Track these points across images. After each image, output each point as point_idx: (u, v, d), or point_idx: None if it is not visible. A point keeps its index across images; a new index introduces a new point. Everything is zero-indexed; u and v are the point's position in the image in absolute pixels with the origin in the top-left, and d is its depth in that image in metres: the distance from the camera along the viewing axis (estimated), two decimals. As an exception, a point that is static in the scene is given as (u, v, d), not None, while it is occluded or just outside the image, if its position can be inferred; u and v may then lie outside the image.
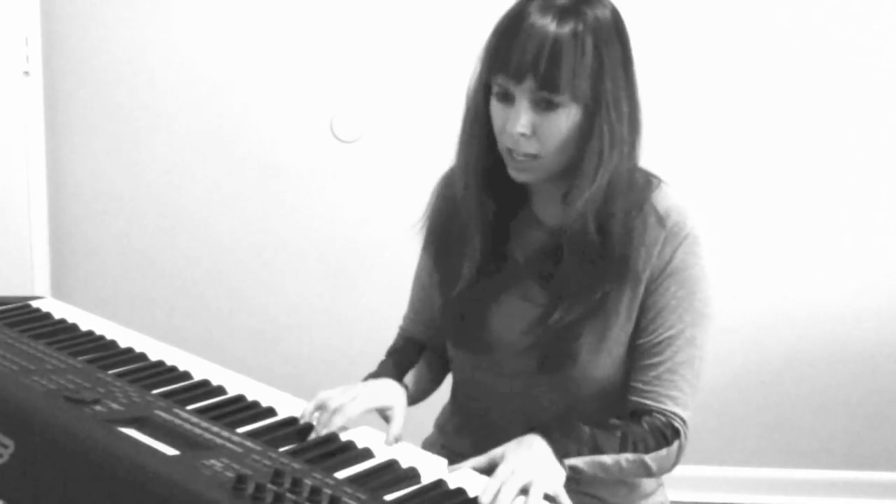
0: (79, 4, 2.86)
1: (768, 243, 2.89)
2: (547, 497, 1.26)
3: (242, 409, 1.40)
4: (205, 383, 1.47)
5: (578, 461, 1.37)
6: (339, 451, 1.31)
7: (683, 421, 1.48)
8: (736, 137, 2.84)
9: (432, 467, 1.29)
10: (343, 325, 2.96)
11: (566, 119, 1.39)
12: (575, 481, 1.39)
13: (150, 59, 2.88)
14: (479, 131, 1.47)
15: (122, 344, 1.58)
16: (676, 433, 1.47)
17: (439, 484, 1.24)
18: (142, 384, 1.41)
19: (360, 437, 1.37)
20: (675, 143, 2.83)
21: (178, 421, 1.28)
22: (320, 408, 1.40)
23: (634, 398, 1.48)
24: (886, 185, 2.85)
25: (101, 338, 1.60)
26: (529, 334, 1.49)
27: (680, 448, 1.47)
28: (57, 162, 2.92)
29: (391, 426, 1.43)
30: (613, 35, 1.42)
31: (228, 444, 1.22)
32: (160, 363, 1.53)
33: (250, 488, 1.07)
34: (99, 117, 2.92)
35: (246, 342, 2.97)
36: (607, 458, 1.40)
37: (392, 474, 1.25)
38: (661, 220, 1.45)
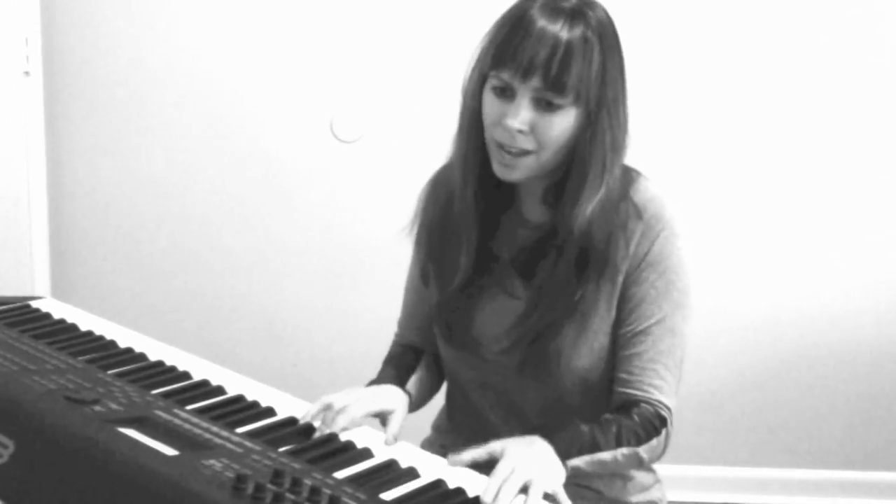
0: (79, 4, 2.86)
1: (768, 243, 2.89)
2: (546, 495, 1.26)
3: (242, 409, 1.40)
4: (204, 383, 1.47)
5: (580, 461, 1.39)
6: (338, 450, 1.31)
7: (669, 409, 1.49)
8: (737, 138, 2.84)
9: (432, 467, 1.29)
10: (343, 324, 2.96)
11: (565, 121, 1.40)
12: (595, 492, 1.40)
13: (150, 59, 2.88)
14: (476, 124, 1.48)
15: (122, 344, 1.58)
16: (664, 422, 1.48)
17: (438, 484, 1.24)
18: (141, 384, 1.41)
19: (359, 437, 1.37)
20: (675, 143, 2.83)
21: (177, 421, 1.28)
22: (325, 409, 1.40)
23: (620, 389, 1.49)
24: (886, 186, 2.85)
25: (101, 338, 1.60)
26: (511, 332, 1.50)
27: (667, 436, 1.49)
28: (57, 162, 2.92)
29: (389, 426, 1.44)
30: (614, 40, 1.44)
31: (228, 444, 1.22)
32: (160, 363, 1.53)
33: (250, 488, 1.07)
34: (99, 117, 2.92)
35: (246, 342, 2.97)
36: (606, 455, 1.42)
37: (391, 474, 1.25)
38: (638, 213, 1.47)
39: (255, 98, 2.88)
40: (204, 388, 1.45)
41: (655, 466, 1.66)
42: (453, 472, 1.29)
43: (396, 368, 1.64)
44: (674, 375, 1.49)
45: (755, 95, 2.82)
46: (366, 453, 1.31)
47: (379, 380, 1.61)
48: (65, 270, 2.98)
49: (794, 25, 2.79)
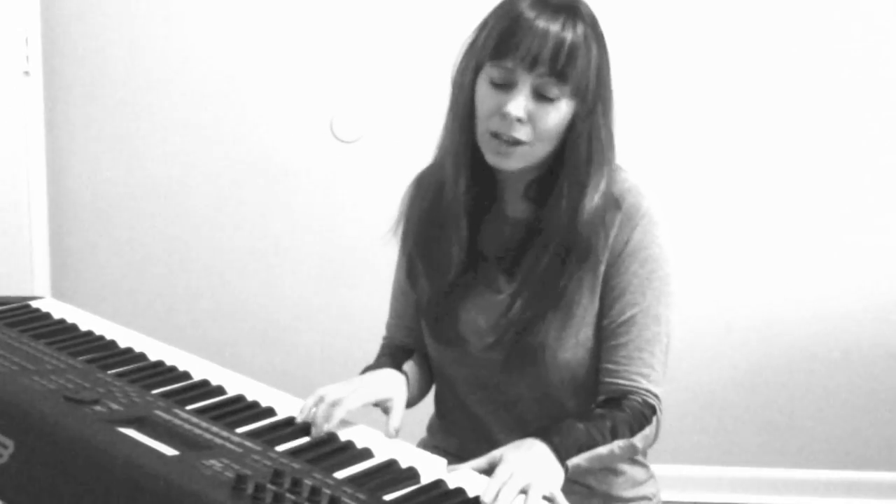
0: (79, 4, 2.86)
1: (768, 243, 2.89)
2: (545, 498, 1.26)
3: (242, 409, 1.40)
4: (204, 383, 1.47)
5: (580, 459, 1.39)
6: (338, 450, 1.31)
7: (657, 397, 1.50)
8: (738, 139, 2.85)
9: (431, 467, 1.29)
10: (343, 324, 2.96)
11: (561, 113, 1.42)
12: (586, 487, 1.40)
13: (149, 60, 2.88)
14: (469, 116, 1.49)
15: (122, 344, 1.58)
16: (653, 409, 1.49)
17: (438, 484, 1.24)
18: (141, 384, 1.41)
19: (359, 436, 1.37)
20: (675, 143, 2.83)
21: (177, 421, 1.28)
22: (319, 402, 1.40)
23: (607, 379, 1.50)
24: (887, 186, 2.85)
25: (101, 338, 1.60)
26: (496, 327, 1.51)
27: (658, 423, 1.50)
28: (57, 162, 2.92)
29: (390, 418, 1.44)
30: (603, 36, 1.47)
31: (228, 444, 1.22)
32: (160, 363, 1.52)
33: (250, 488, 1.07)
34: (99, 117, 2.92)
35: (246, 342, 2.97)
36: (603, 450, 1.42)
37: (391, 474, 1.25)
38: (616, 203, 1.48)
39: (255, 98, 2.88)
40: (204, 388, 1.45)
41: (651, 464, 1.66)
42: (453, 473, 1.29)
43: (391, 357, 1.64)
44: (660, 362, 1.50)
45: (755, 96, 2.82)
46: (366, 453, 1.31)
47: (375, 365, 1.61)
48: (65, 270, 2.98)
49: (790, 24, 2.79)
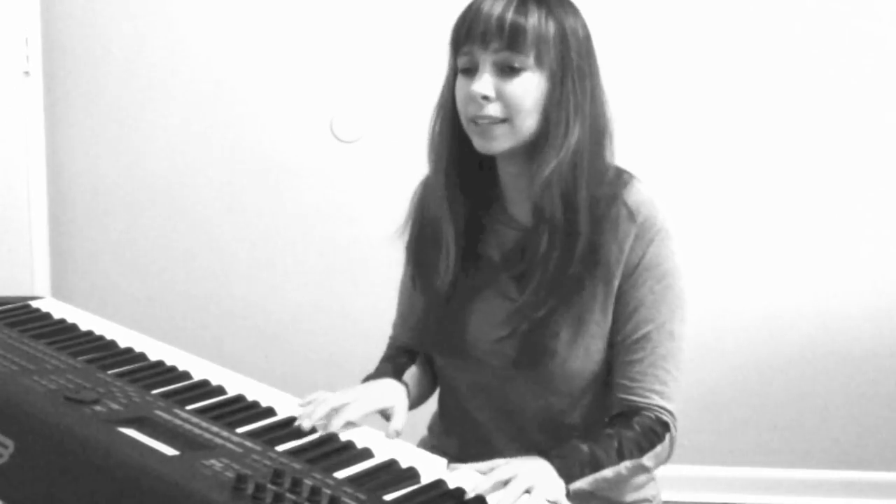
0: (79, 4, 2.86)
1: (768, 243, 2.89)
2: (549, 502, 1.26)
3: (242, 409, 1.40)
4: (204, 383, 1.47)
5: (583, 483, 1.38)
6: (338, 450, 1.31)
7: (671, 414, 1.49)
8: (738, 138, 2.85)
9: (432, 467, 1.29)
10: (343, 324, 2.96)
11: (529, 84, 1.43)
12: (575, 498, 1.40)
13: (150, 59, 2.88)
14: (451, 119, 1.51)
15: (122, 344, 1.58)
16: (666, 427, 1.48)
17: (439, 484, 1.24)
18: (141, 384, 1.41)
19: (359, 436, 1.37)
20: (675, 143, 2.83)
21: (177, 421, 1.28)
22: (313, 402, 1.40)
23: (621, 395, 1.49)
24: (887, 186, 2.85)
25: (101, 338, 1.60)
26: (506, 326, 1.50)
27: (671, 440, 1.49)
28: (57, 162, 2.93)
29: (392, 421, 1.44)
30: (573, 15, 1.47)
31: (228, 444, 1.22)
32: (160, 363, 1.53)
33: (250, 488, 1.07)
34: (99, 117, 2.92)
35: (246, 342, 2.97)
36: (609, 472, 1.41)
37: (391, 474, 1.25)
38: (631, 215, 1.47)
39: (256, 98, 2.88)
40: (204, 388, 1.45)
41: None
42: (453, 473, 1.29)
43: (393, 363, 1.64)
44: (675, 380, 1.49)
45: (755, 96, 2.82)
46: (366, 453, 1.31)
47: (376, 374, 1.61)
48: (65, 270, 2.98)
49: (791, 24, 2.79)
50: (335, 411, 1.38)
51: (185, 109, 2.90)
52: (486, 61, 1.43)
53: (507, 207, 1.56)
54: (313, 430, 1.36)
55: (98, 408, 1.26)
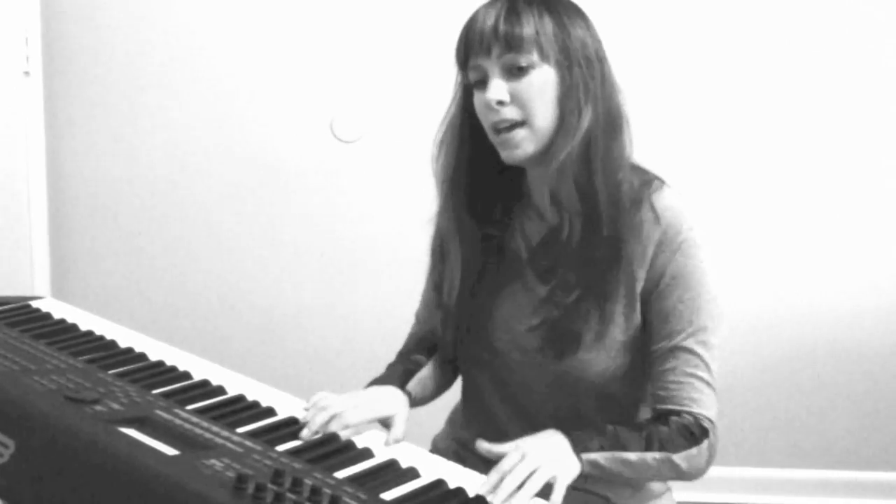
0: (79, 4, 2.86)
1: (768, 243, 2.89)
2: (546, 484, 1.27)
3: (242, 409, 1.40)
4: (205, 383, 1.47)
5: (598, 456, 1.37)
6: (339, 450, 1.31)
7: (711, 422, 1.48)
8: (739, 138, 2.85)
9: (432, 467, 1.29)
10: (343, 324, 2.96)
11: (541, 80, 1.44)
12: (592, 478, 1.39)
13: (150, 60, 2.88)
14: (461, 133, 1.52)
15: (122, 344, 1.58)
16: (705, 433, 1.46)
17: (439, 483, 1.24)
18: (142, 384, 1.41)
19: (359, 436, 1.37)
20: (677, 142, 2.83)
21: (178, 421, 1.28)
22: (314, 406, 1.40)
23: (658, 406, 1.49)
24: (886, 186, 2.85)
25: (101, 338, 1.60)
26: (533, 317, 1.50)
27: (710, 448, 1.47)
28: (57, 162, 2.92)
29: (392, 431, 1.43)
30: (569, 7, 1.48)
31: (229, 444, 1.22)
32: (160, 363, 1.53)
33: (251, 488, 1.07)
34: (99, 117, 2.92)
35: (246, 342, 2.97)
36: (631, 455, 1.40)
37: (392, 474, 1.25)
38: (657, 218, 1.46)
39: (256, 98, 2.88)
40: (204, 388, 1.45)
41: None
42: (454, 472, 1.29)
43: (404, 366, 1.63)
44: (710, 387, 1.48)
45: (758, 95, 2.82)
46: (366, 453, 1.31)
47: (383, 378, 1.61)
48: (65, 270, 2.98)
49: (794, 24, 2.79)
50: (334, 417, 1.38)
51: (185, 110, 2.90)
52: (494, 68, 1.44)
53: (534, 200, 1.57)
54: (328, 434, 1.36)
55: (98, 408, 1.26)
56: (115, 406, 1.28)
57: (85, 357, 1.49)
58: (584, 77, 1.45)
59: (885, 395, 2.94)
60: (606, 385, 1.50)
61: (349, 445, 1.33)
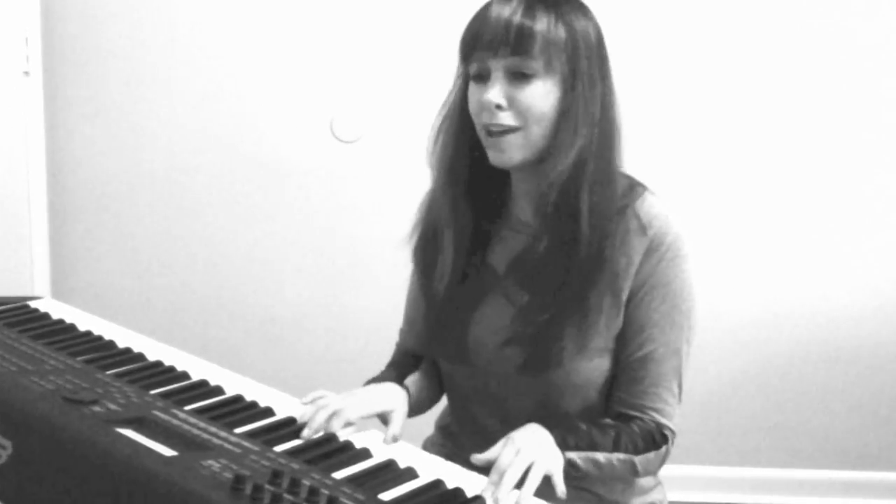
0: (79, 4, 2.86)
1: (768, 243, 2.89)
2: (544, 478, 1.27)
3: (241, 410, 1.40)
4: (203, 383, 1.47)
5: (575, 456, 1.39)
6: (337, 451, 1.31)
7: (672, 431, 1.50)
8: (738, 138, 2.85)
9: (430, 467, 1.29)
10: (343, 324, 2.96)
11: (543, 92, 1.41)
12: (573, 477, 1.39)
13: (150, 59, 2.88)
14: (459, 125, 1.50)
15: (121, 344, 1.58)
16: (665, 439, 1.49)
17: (437, 484, 1.24)
18: (140, 384, 1.41)
19: (358, 437, 1.37)
20: (676, 141, 2.83)
21: (176, 421, 1.28)
22: (313, 405, 1.40)
23: (622, 409, 1.49)
24: (886, 186, 2.85)
25: (100, 338, 1.60)
26: (509, 331, 1.49)
27: (666, 453, 1.49)
28: (57, 162, 2.93)
29: (390, 427, 1.44)
30: (584, 18, 1.45)
31: (226, 445, 1.22)
32: (158, 363, 1.52)
33: (248, 488, 1.07)
34: (99, 117, 2.92)
35: (245, 342, 2.98)
36: (601, 456, 1.42)
37: (390, 474, 1.25)
38: (643, 228, 1.45)
39: (256, 98, 2.88)
40: (202, 389, 1.45)
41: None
42: (452, 472, 1.29)
43: (398, 369, 1.64)
44: (675, 397, 1.49)
45: (755, 95, 2.82)
46: (364, 453, 1.31)
47: (379, 378, 1.61)
48: (65, 270, 2.98)
49: (790, 24, 2.79)
50: (333, 415, 1.38)
51: (186, 110, 2.90)
52: (497, 68, 1.42)
53: (516, 212, 1.55)
54: (326, 434, 1.36)
55: (96, 408, 1.26)
56: (113, 406, 1.28)
57: (83, 357, 1.49)
58: (585, 96, 1.43)
59: (884, 395, 2.94)
60: (588, 394, 1.50)
61: (347, 446, 1.33)
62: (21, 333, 1.55)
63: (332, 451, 1.30)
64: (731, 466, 3.01)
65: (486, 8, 1.44)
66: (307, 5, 2.84)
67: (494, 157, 1.46)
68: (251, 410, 1.40)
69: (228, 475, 1.11)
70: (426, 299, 1.60)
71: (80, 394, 1.30)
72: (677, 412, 1.50)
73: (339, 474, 1.22)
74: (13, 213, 2.81)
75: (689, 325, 1.49)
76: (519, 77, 1.41)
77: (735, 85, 2.82)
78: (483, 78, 1.44)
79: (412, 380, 1.60)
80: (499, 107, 1.42)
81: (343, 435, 1.36)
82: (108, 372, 1.44)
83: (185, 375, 1.49)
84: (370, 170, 2.89)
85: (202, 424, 1.28)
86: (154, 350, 1.57)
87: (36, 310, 1.70)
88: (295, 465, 1.19)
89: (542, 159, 1.45)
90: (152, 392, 1.39)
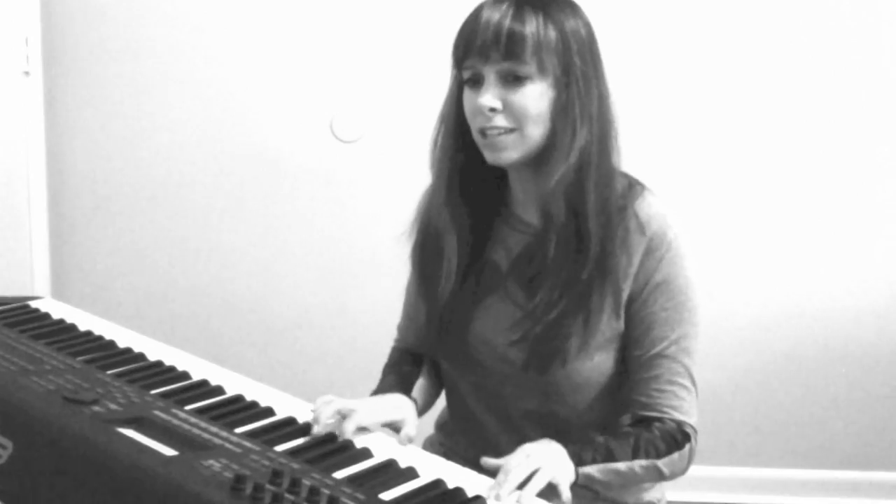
0: (79, 4, 2.86)
1: (768, 243, 2.89)
2: (549, 487, 1.27)
3: (241, 409, 1.40)
4: (203, 383, 1.47)
5: (592, 469, 1.39)
6: (337, 450, 1.31)
7: (693, 428, 1.50)
8: (738, 137, 2.84)
9: (431, 467, 1.29)
10: (343, 324, 2.96)
11: (537, 93, 1.42)
12: (592, 492, 1.40)
13: (149, 59, 2.88)
14: (455, 129, 1.51)
15: (121, 344, 1.58)
16: (687, 437, 1.49)
17: (438, 483, 1.24)
18: (140, 384, 1.41)
19: (358, 437, 1.36)
20: (676, 141, 2.83)
21: (176, 421, 1.28)
22: (326, 404, 1.39)
23: (640, 412, 1.49)
24: (886, 185, 2.85)
25: (100, 338, 1.60)
26: (515, 330, 1.49)
27: (691, 451, 1.50)
28: (57, 162, 2.93)
29: (405, 429, 1.43)
30: (574, 17, 1.46)
31: (227, 444, 1.22)
32: (159, 363, 1.52)
33: (249, 488, 1.07)
34: (99, 117, 2.92)
35: (246, 342, 2.97)
36: (621, 465, 1.42)
37: (390, 474, 1.25)
38: (641, 228, 1.46)
39: (256, 98, 2.88)
40: (203, 388, 1.45)
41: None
42: (452, 472, 1.29)
43: (398, 375, 1.63)
44: (690, 394, 1.51)
45: (755, 95, 2.82)
46: (365, 453, 1.31)
47: (382, 389, 1.60)
48: (65, 270, 2.98)
49: (789, 23, 2.79)
50: (343, 415, 1.37)
51: (186, 110, 2.90)
52: (490, 73, 1.42)
53: (516, 210, 1.55)
54: (311, 429, 1.35)
55: (97, 408, 1.26)
56: (114, 406, 1.28)
57: (83, 357, 1.49)
58: (580, 95, 1.43)
59: (883, 395, 2.94)
60: (591, 393, 1.50)
61: (347, 445, 1.33)
62: (21, 333, 1.55)
63: (332, 450, 1.30)
64: (731, 466, 3.01)
65: (476, 13, 1.45)
66: (307, 5, 2.84)
67: (491, 157, 1.46)
68: (251, 410, 1.40)
69: (229, 475, 1.11)
70: (425, 301, 1.60)
71: (80, 394, 1.30)
72: (695, 408, 1.51)
73: (340, 474, 1.22)
74: (13, 213, 2.82)
75: (695, 321, 1.50)
76: (512, 80, 1.42)
77: (735, 85, 2.82)
78: (477, 82, 1.45)
79: (418, 389, 1.61)
80: (493, 110, 1.42)
81: (349, 436, 1.35)
82: (109, 372, 1.44)
83: (185, 375, 1.49)
84: (370, 170, 2.89)
85: (203, 424, 1.28)
86: (154, 350, 1.57)
87: (36, 310, 1.70)
88: (295, 465, 1.19)
89: (541, 160, 1.46)
90: (153, 392, 1.39)
